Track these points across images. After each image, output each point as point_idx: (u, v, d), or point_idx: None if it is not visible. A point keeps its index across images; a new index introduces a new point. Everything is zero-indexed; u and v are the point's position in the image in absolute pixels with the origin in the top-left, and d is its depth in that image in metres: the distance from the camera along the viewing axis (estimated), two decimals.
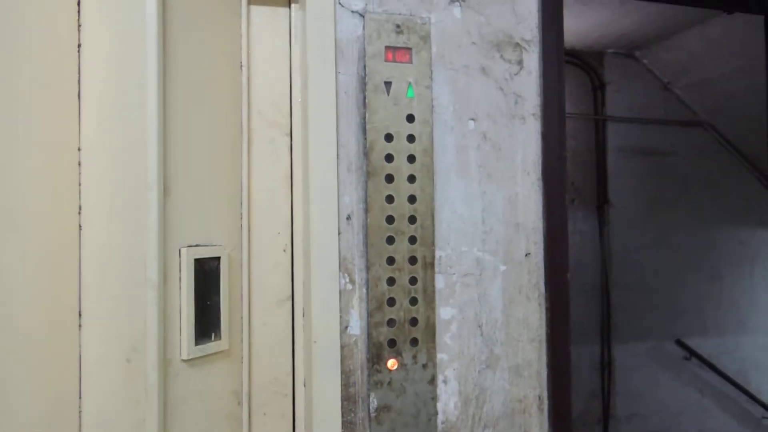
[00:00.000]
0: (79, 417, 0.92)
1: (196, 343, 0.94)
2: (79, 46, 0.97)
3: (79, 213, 0.95)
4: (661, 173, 4.49)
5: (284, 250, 1.09)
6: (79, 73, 0.96)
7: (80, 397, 0.93)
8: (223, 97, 1.05)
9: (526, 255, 1.17)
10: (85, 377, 0.93)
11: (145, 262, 0.88)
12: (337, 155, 1.06)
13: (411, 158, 1.09)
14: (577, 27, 3.90)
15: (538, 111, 1.20)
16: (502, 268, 1.15)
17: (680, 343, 4.47)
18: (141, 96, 0.91)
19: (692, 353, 4.46)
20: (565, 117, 1.22)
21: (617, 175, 4.41)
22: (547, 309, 1.16)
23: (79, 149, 0.96)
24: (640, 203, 4.45)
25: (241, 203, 1.06)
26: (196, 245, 0.97)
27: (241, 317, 1.04)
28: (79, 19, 0.97)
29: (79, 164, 0.96)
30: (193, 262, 0.94)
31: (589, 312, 4.30)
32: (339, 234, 1.05)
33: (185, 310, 0.93)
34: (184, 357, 0.93)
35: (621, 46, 4.38)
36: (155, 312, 0.87)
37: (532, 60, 1.20)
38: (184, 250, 0.94)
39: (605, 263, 4.38)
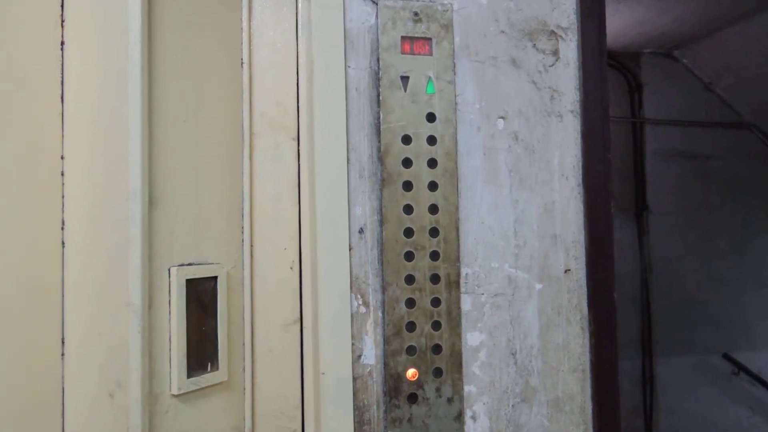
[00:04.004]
0: None
1: (189, 376, 0.83)
2: (62, 43, 0.88)
3: (63, 228, 0.86)
4: (704, 178, 4.28)
5: (291, 268, 0.97)
6: (62, 74, 0.87)
7: None
8: (221, 98, 0.95)
9: (565, 271, 1.03)
10: (69, 413, 0.83)
11: (127, 283, 0.78)
12: (348, 160, 0.94)
13: (432, 162, 0.97)
14: (612, 26, 3.73)
15: (577, 107, 1.06)
16: (538, 286, 1.01)
17: (728, 357, 4.24)
18: (124, 96, 0.81)
19: (741, 368, 4.23)
20: (609, 114, 1.08)
21: (656, 181, 4.23)
22: (590, 333, 1.02)
23: (62, 157, 0.87)
24: (681, 210, 4.25)
25: (243, 216, 0.95)
26: (189, 264, 0.86)
27: (243, 344, 0.93)
28: (62, 14, 0.88)
29: (62, 174, 0.87)
30: (184, 283, 0.83)
31: (629, 325, 4.10)
32: (350, 249, 0.93)
33: (175, 339, 0.82)
34: (175, 392, 0.82)
35: (659, 46, 4.20)
36: (138, 341, 0.77)
37: (570, 50, 1.06)
38: (173, 270, 0.83)
39: (645, 273, 4.18)
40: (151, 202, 0.82)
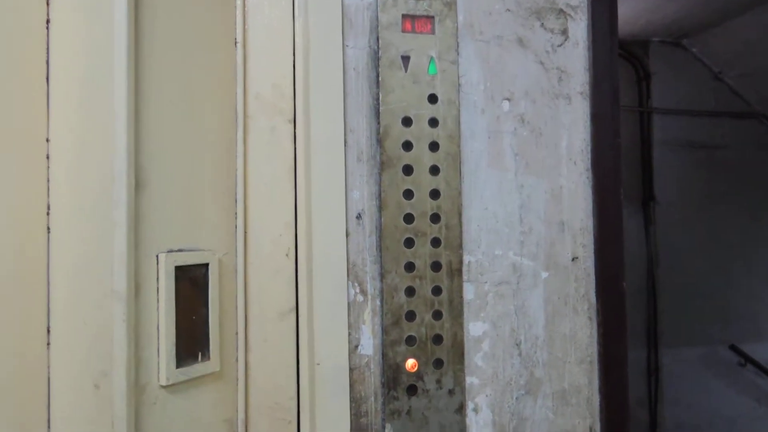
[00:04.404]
0: None
1: (178, 366, 0.80)
2: (47, 21, 0.84)
3: (48, 213, 0.82)
4: (712, 168, 4.22)
5: (287, 255, 0.94)
6: (47, 54, 0.83)
7: (49, 427, 0.80)
8: (213, 80, 0.91)
9: (572, 259, 0.99)
10: (54, 403, 0.80)
11: (112, 270, 0.74)
12: (345, 142, 0.90)
13: (433, 146, 0.93)
14: (620, 14, 3.66)
15: (586, 89, 1.02)
16: (544, 275, 0.97)
17: (734, 349, 4.19)
18: (109, 75, 0.77)
19: (747, 359, 4.18)
20: (619, 96, 1.03)
21: (663, 171, 4.16)
22: (598, 323, 0.98)
23: (47, 140, 0.83)
24: (688, 200, 4.18)
25: (236, 201, 0.91)
26: (179, 250, 0.82)
27: (236, 333, 0.89)
28: None
29: (48, 157, 0.83)
30: (173, 269, 0.80)
31: (635, 316, 4.06)
32: (347, 235, 0.89)
33: (164, 327, 0.78)
34: (163, 382, 0.78)
35: (668, 35, 4.12)
36: (123, 330, 0.73)
37: (579, 29, 1.02)
38: (162, 256, 0.79)
39: (651, 264, 4.13)
40: (138, 186, 0.78)
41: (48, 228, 0.82)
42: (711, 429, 4.14)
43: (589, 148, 1.01)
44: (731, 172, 4.24)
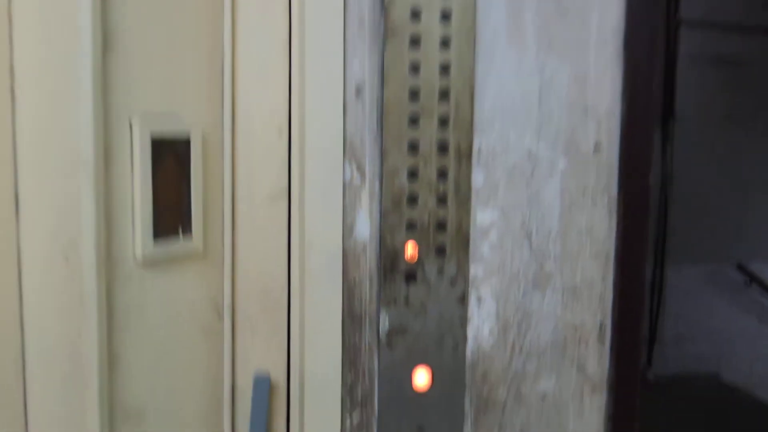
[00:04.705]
0: (21, 324, 0.75)
1: (156, 241, 0.74)
2: None
3: (11, 76, 0.74)
4: (738, 86, 4.00)
5: (279, 133, 0.85)
6: None
7: (21, 300, 0.75)
8: None
9: (594, 147, 0.90)
10: (25, 274, 0.75)
11: (78, 136, 0.67)
12: (344, 6, 0.80)
13: (445, 16, 0.82)
14: None
15: None
16: (562, 163, 0.89)
17: (741, 268, 4.17)
18: None
19: (753, 278, 4.17)
20: None
21: (686, 87, 3.95)
22: (619, 217, 0.90)
23: None
24: (710, 118, 4.01)
25: (223, 73, 0.82)
26: (154, 115, 0.74)
27: (222, 212, 0.83)
28: None
29: (9, 16, 0.73)
30: (148, 135, 0.72)
31: None
32: (345, 111, 0.80)
33: (139, 199, 0.72)
34: (139, 257, 0.73)
35: None
36: (91, 200, 0.67)
37: None
38: (136, 122, 0.71)
39: (666, 181, 4.02)
40: (106, 43, 0.69)
41: (11, 90, 0.74)
42: (710, 343, 4.18)
43: (622, 27, 0.89)
44: (758, 91, 4.03)
